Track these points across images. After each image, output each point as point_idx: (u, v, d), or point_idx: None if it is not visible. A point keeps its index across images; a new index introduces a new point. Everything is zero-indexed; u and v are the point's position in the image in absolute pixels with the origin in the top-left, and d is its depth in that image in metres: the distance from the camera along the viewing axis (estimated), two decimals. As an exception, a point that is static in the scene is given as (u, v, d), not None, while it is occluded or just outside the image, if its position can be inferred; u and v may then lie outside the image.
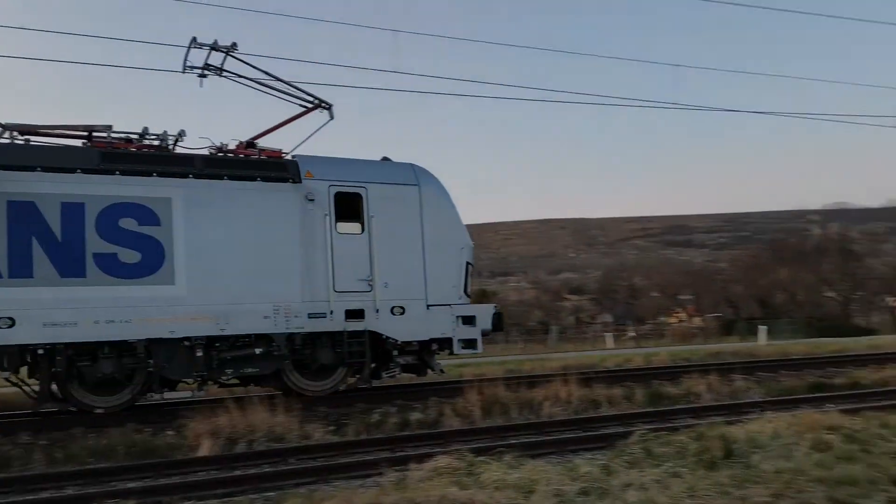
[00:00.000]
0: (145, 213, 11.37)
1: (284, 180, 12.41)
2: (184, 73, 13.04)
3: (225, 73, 13.16)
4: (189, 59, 12.96)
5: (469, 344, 13.30)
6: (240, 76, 13.26)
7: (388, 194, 13.05)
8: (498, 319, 13.72)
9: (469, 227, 14.23)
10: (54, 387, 11.24)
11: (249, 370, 11.96)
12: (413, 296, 12.96)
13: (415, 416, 11.26)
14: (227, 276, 11.72)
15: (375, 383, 13.35)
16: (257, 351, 11.92)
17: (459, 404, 11.50)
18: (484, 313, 13.58)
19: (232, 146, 13.03)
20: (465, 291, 13.57)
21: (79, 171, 11.15)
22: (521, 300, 76.27)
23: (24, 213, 10.74)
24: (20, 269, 10.64)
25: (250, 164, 12.50)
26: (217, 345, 11.68)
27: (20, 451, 9.27)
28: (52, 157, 11.22)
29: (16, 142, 11.48)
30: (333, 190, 12.70)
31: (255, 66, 13.31)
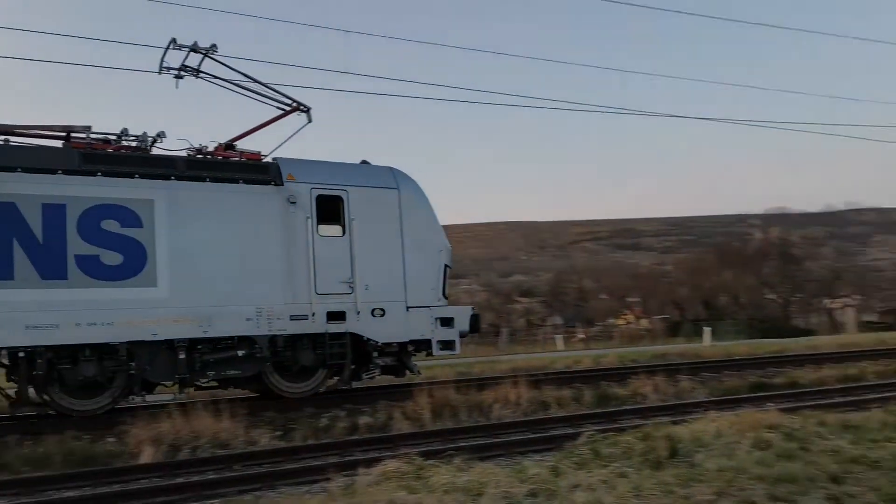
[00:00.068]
0: (127, 215, 11.29)
1: (266, 183, 12.43)
2: (160, 73, 13.00)
3: (202, 75, 13.13)
4: (166, 60, 12.93)
5: (447, 345, 13.55)
6: (217, 77, 13.21)
7: (368, 197, 13.16)
8: (475, 321, 14.00)
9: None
10: (32, 390, 11.00)
11: (231, 372, 11.94)
12: (393, 298, 13.07)
13: (364, 420, 11.17)
14: (210, 278, 11.70)
15: (355, 384, 13.40)
16: (240, 353, 11.91)
17: (409, 408, 11.46)
18: (462, 315, 13.77)
19: (211, 148, 12.99)
20: (444, 293, 13.75)
21: (60, 172, 11.02)
22: (473, 302, 76.26)
23: (5, 215, 10.58)
24: (0, 271, 10.43)
25: (233, 167, 12.49)
26: (199, 347, 11.63)
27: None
28: (33, 158, 11.08)
29: None
30: (315, 193, 12.75)
31: (233, 67, 13.31)
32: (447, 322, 13.52)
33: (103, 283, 10.98)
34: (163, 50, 12.94)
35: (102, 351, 11.00)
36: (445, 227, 14.24)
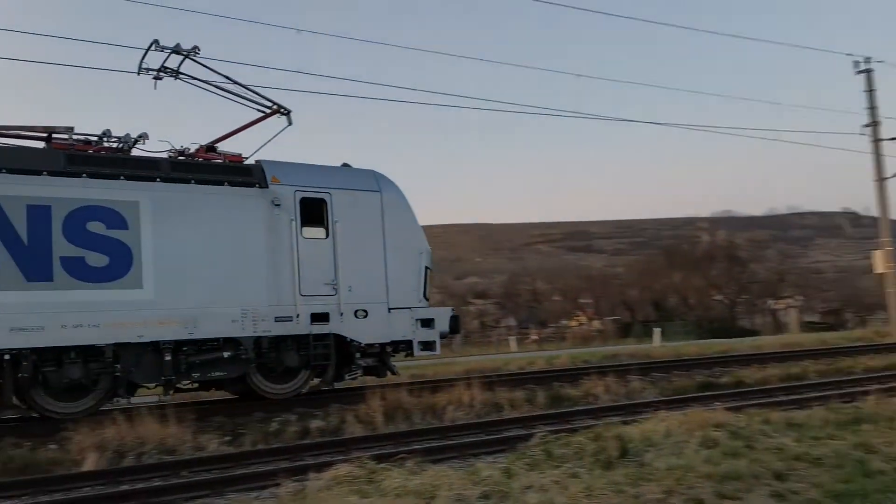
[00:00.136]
0: (113, 217, 11.28)
1: (251, 185, 12.50)
2: (138, 74, 12.94)
3: (181, 76, 13.07)
4: (146, 60, 12.88)
5: (428, 346, 13.77)
6: (196, 79, 13.14)
7: (351, 200, 13.34)
8: (455, 322, 14.25)
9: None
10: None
11: (216, 374, 11.98)
12: (375, 299, 13.25)
13: (315, 423, 11.05)
14: (196, 279, 11.75)
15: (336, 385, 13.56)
16: (225, 354, 11.94)
17: (362, 411, 11.37)
18: (442, 316, 14.02)
19: (192, 150, 12.96)
20: (425, 295, 13.91)
21: (45, 173, 10.96)
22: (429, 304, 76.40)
23: None
24: None
25: (218, 169, 12.52)
26: (185, 349, 11.63)
27: None
28: (18, 159, 10.93)
29: None
30: (299, 195, 12.84)
31: (214, 69, 13.27)
32: (427, 323, 13.77)
33: (89, 284, 10.96)
34: (143, 51, 12.91)
35: (88, 353, 10.95)
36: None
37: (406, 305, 13.55)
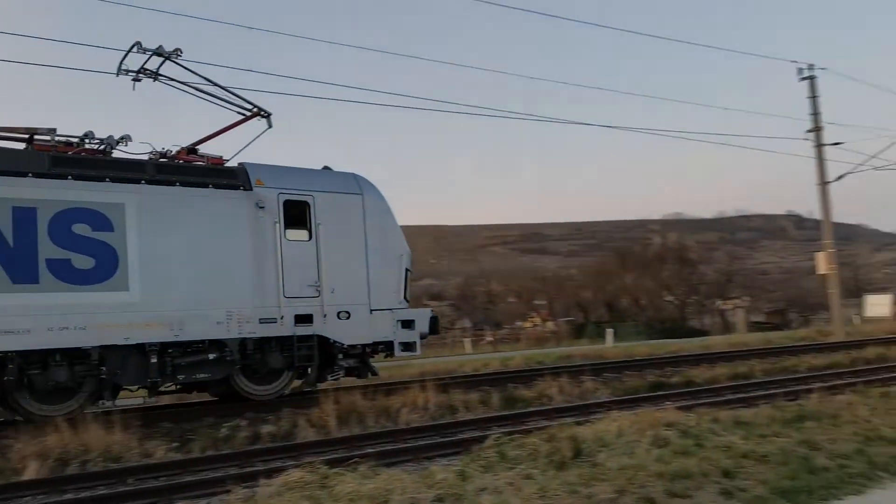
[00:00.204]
0: (98, 219, 11.20)
1: (235, 187, 12.51)
2: (117, 75, 12.80)
3: (160, 78, 12.97)
4: (126, 62, 12.75)
5: (408, 347, 13.95)
6: (176, 81, 13.00)
7: (333, 203, 13.38)
8: (434, 323, 14.43)
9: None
10: None
11: (201, 375, 11.98)
12: (358, 301, 13.35)
13: (266, 428, 10.86)
14: (181, 282, 11.72)
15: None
16: (210, 356, 11.93)
17: (314, 415, 11.23)
18: (422, 317, 14.20)
19: (174, 152, 12.89)
20: (405, 297, 14.04)
21: (30, 175, 10.82)
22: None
23: None
24: None
25: (203, 171, 12.49)
26: (170, 351, 11.60)
27: None
28: (2, 160, 10.72)
29: None
30: (283, 198, 12.87)
31: (195, 72, 13.18)
32: (408, 324, 13.91)
33: (75, 287, 10.88)
34: (123, 52, 12.78)
35: (73, 355, 10.85)
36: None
37: (387, 307, 13.67)
